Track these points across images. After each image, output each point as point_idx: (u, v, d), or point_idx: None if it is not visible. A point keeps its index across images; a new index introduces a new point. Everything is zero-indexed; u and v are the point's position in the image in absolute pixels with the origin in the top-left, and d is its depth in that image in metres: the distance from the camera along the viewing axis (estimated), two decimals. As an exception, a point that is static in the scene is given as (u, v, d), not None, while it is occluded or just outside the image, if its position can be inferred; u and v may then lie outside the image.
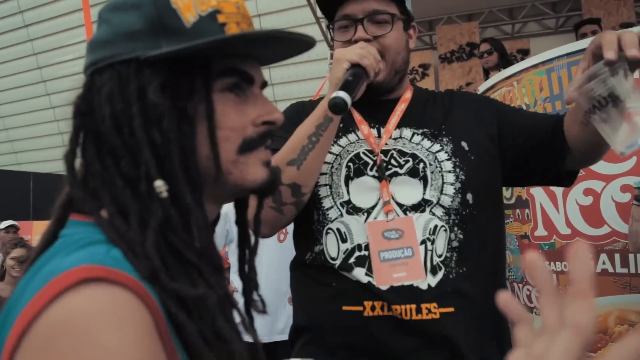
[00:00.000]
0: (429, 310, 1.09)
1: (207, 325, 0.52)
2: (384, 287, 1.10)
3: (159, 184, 0.53)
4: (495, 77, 3.58)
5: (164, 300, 0.50)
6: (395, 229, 1.14)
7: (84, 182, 0.56)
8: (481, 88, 3.70)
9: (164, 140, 0.54)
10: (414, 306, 1.09)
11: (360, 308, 1.12)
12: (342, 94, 1.01)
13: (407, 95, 1.32)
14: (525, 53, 5.58)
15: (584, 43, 3.17)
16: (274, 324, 2.95)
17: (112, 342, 0.43)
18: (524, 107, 3.33)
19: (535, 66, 3.31)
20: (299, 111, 1.32)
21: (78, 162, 0.58)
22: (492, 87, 3.56)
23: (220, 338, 0.53)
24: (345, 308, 1.14)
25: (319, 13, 5.99)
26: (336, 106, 1.01)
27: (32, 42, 12.04)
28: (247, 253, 0.72)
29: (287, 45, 0.63)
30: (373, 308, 1.11)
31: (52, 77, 12.11)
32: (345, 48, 1.14)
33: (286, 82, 11.40)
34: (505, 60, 4.18)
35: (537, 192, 3.02)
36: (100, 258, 0.48)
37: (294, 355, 1.23)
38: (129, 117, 0.54)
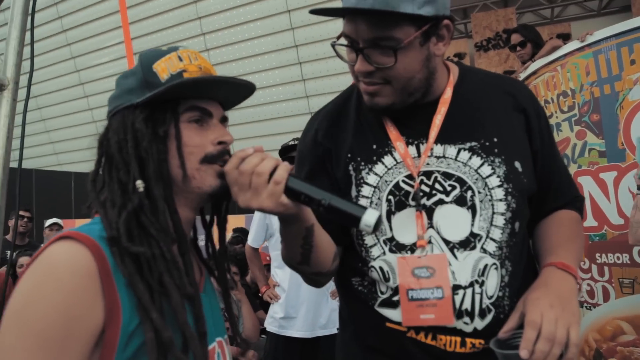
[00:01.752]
0: (473, 345, 1.04)
1: (154, 278, 0.76)
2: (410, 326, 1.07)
3: (139, 182, 0.81)
4: (538, 62, 3.44)
5: (122, 256, 0.75)
6: (427, 266, 1.05)
7: (100, 189, 0.86)
8: (522, 75, 3.57)
9: (144, 154, 0.82)
10: (458, 339, 1.04)
11: (405, 329, 1.07)
12: (372, 214, 0.86)
13: (447, 93, 1.13)
14: (566, 37, 5.36)
15: (635, 22, 3.00)
16: (317, 319, 2.94)
17: (62, 272, 0.72)
18: (569, 93, 3.19)
19: (580, 49, 3.16)
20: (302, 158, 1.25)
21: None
22: (534, 73, 3.42)
23: (163, 287, 0.76)
24: (389, 325, 1.09)
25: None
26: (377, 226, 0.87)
27: (70, 46, 12.40)
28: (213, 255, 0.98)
29: (234, 87, 0.91)
30: (417, 332, 1.06)
31: (89, 80, 12.44)
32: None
33: (318, 77, 11.35)
34: (540, 48, 3.83)
35: (586, 181, 2.89)
36: (84, 229, 0.78)
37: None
38: (126, 142, 0.82)
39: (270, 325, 3.03)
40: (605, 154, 2.99)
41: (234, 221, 7.96)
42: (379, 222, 0.85)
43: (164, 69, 0.86)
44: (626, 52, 2.97)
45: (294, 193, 0.86)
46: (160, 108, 0.84)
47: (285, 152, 2.97)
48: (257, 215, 3.10)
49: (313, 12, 1.03)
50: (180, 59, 0.87)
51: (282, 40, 11.18)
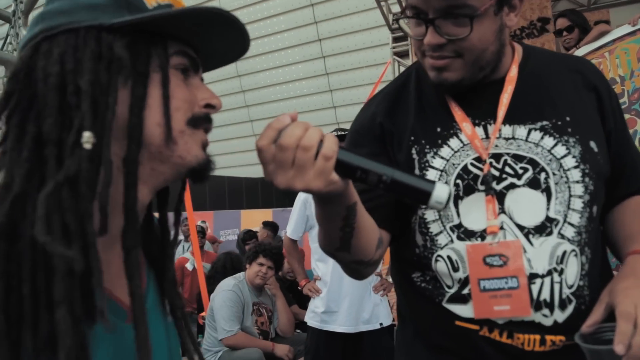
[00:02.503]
0: (553, 343, 0.96)
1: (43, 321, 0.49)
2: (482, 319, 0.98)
3: (88, 135, 0.53)
4: (583, 49, 3.32)
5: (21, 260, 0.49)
6: (499, 254, 0.97)
7: None
8: (566, 62, 3.43)
9: (104, 97, 0.55)
10: (538, 337, 0.96)
11: (477, 327, 1.00)
12: (443, 188, 0.76)
13: (513, 71, 1.06)
14: (604, 25, 5.18)
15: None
16: (359, 313, 2.87)
17: None
18: (617, 80, 3.07)
19: (632, 33, 3.04)
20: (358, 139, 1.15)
21: None
22: (580, 59, 3.29)
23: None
24: (458, 323, 1.02)
25: (380, -4, 5.86)
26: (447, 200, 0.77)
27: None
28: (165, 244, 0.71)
29: (229, 40, 0.68)
30: (491, 330, 0.99)
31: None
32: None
33: (342, 71, 11.28)
34: (588, 33, 3.75)
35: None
36: None
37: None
38: (77, 75, 0.55)
39: (311, 320, 2.95)
40: (658, 143, 2.88)
41: (262, 216, 7.96)
42: (449, 198, 0.76)
43: None
44: None
45: (348, 168, 0.72)
46: (144, 40, 0.60)
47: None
48: (297, 205, 3.05)
49: None
50: None
51: (306, 34, 11.13)
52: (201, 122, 0.65)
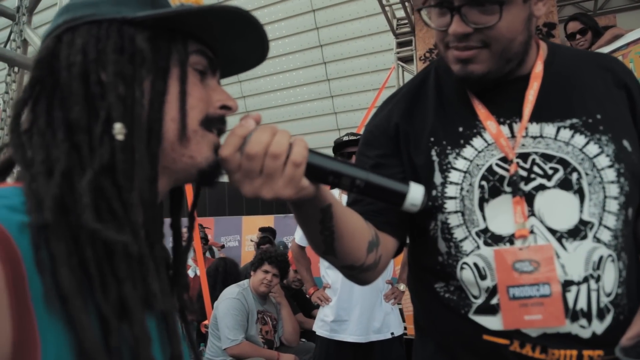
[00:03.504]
0: (591, 358, 0.90)
1: (112, 295, 0.50)
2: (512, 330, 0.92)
3: (119, 126, 0.55)
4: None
5: (82, 244, 0.49)
6: (530, 259, 0.92)
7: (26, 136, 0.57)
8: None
9: (130, 90, 0.56)
10: (574, 352, 0.89)
11: (507, 342, 0.93)
12: (418, 189, 0.74)
13: (538, 67, 1.02)
14: (610, 31, 5.15)
15: None
16: (370, 322, 2.79)
17: None
18: (632, 84, 3.02)
19: (646, 37, 2.99)
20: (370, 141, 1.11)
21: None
22: (593, 63, 3.25)
23: (123, 304, 0.50)
24: (486, 337, 0.95)
25: (385, 1, 5.83)
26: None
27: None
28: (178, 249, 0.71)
29: (249, 43, 0.68)
30: (522, 345, 0.92)
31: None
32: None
33: (343, 77, 11.26)
34: (601, 36, 3.60)
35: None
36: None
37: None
38: (100, 65, 0.56)
39: (320, 329, 2.86)
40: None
41: (263, 222, 7.89)
42: (425, 199, 0.74)
43: None
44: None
45: (319, 173, 0.69)
46: (165, 36, 0.61)
47: (340, 148, 2.84)
48: None
49: None
50: None
51: (307, 40, 11.12)
52: (215, 123, 0.65)
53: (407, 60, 6.14)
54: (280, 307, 3.87)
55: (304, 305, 4.36)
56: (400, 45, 6.17)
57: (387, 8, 5.88)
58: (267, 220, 8.24)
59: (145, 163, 0.56)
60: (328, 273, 2.90)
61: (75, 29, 0.59)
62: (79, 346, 0.47)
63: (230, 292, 3.60)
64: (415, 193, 0.73)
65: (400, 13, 6.04)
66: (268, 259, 3.61)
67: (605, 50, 3.23)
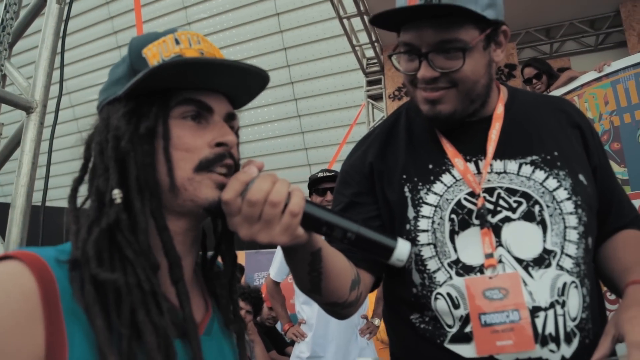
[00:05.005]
0: None
1: (122, 315, 0.60)
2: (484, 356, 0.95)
3: (116, 192, 0.65)
4: (553, 92, 3.47)
5: (84, 283, 0.60)
6: (499, 287, 0.96)
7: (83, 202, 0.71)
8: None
9: (124, 157, 0.66)
10: None
11: None
12: (405, 245, 0.78)
13: (499, 109, 1.09)
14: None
15: (652, 53, 3.05)
16: (346, 358, 2.79)
17: None
18: (587, 122, 3.21)
19: (598, 79, 3.20)
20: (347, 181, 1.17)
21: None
22: (551, 103, 3.45)
23: (135, 327, 0.60)
24: None
25: (355, 41, 6.05)
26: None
27: (66, 82, 12.41)
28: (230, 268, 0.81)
29: (240, 76, 0.73)
30: None
31: (84, 115, 12.39)
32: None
33: (313, 114, 11.42)
34: (555, 79, 3.88)
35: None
36: (37, 249, 0.62)
37: None
38: (106, 142, 0.67)
39: (296, 366, 2.86)
40: (629, 182, 2.99)
41: (235, 257, 7.75)
42: (410, 255, 0.79)
43: (154, 55, 0.69)
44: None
45: (314, 222, 0.73)
46: (147, 101, 0.68)
47: (315, 184, 2.89)
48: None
49: (373, 22, 1.02)
50: (177, 42, 0.70)
51: (278, 76, 11.30)
52: (214, 163, 0.69)
53: (377, 97, 6.32)
54: (254, 345, 3.79)
55: (278, 343, 4.29)
56: (370, 83, 6.36)
57: (357, 48, 6.09)
58: (239, 256, 8.12)
59: (143, 218, 0.65)
60: (303, 308, 2.89)
61: (100, 112, 0.73)
62: (100, 351, 0.57)
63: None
64: (402, 249, 0.76)
65: (370, 53, 6.25)
66: (241, 295, 3.56)
67: (562, 91, 3.43)
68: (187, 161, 0.68)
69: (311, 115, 11.43)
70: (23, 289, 0.57)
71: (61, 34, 1.80)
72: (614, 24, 5.46)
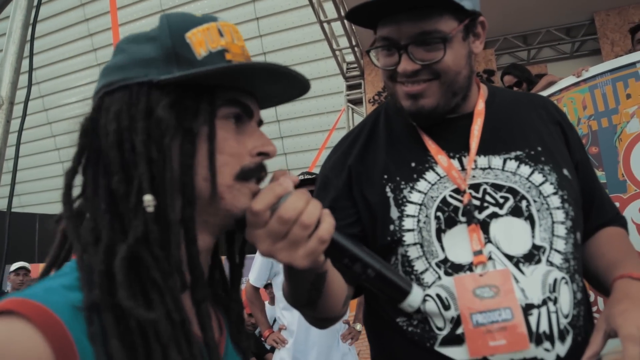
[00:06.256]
0: None
1: (156, 355, 0.51)
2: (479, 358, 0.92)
3: (148, 198, 0.54)
4: (532, 97, 3.51)
5: (108, 337, 0.49)
6: (489, 285, 0.93)
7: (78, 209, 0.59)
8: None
9: (161, 156, 0.56)
10: None
11: None
12: (419, 292, 0.77)
13: (480, 105, 1.08)
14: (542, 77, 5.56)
15: (628, 58, 3.10)
16: (327, 363, 2.74)
17: None
18: (566, 127, 3.25)
19: (576, 84, 3.25)
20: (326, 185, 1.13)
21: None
22: (531, 107, 3.49)
23: None
24: None
25: (335, 45, 6.04)
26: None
27: (39, 85, 12.10)
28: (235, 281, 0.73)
29: (285, 83, 0.67)
30: None
31: (57, 119, 12.11)
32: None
33: (293, 118, 11.39)
34: (534, 85, 3.91)
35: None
36: (40, 289, 0.50)
37: None
38: (132, 133, 0.57)
39: (276, 373, 2.80)
40: (607, 186, 3.03)
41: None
42: (421, 304, 0.79)
43: (200, 42, 0.61)
44: (622, 87, 3.06)
45: (337, 251, 0.69)
46: (191, 95, 0.60)
47: (295, 188, 2.84)
48: None
49: (349, 16, 1.00)
50: (221, 34, 0.63)
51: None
52: (252, 173, 0.64)
53: (357, 102, 6.32)
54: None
55: (257, 349, 4.22)
56: (350, 88, 6.36)
57: (337, 52, 6.08)
58: (217, 262, 8.02)
59: (177, 231, 0.56)
60: (284, 314, 2.84)
61: (111, 94, 0.59)
62: None
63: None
64: (416, 295, 0.74)
65: (350, 57, 6.26)
66: (220, 301, 3.49)
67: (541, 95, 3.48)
68: (229, 167, 0.61)
69: (290, 120, 11.39)
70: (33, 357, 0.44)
71: (31, 21, 1.69)
72: (589, 32, 5.59)
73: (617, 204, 3.17)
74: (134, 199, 0.54)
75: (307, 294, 0.84)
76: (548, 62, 5.84)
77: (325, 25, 5.49)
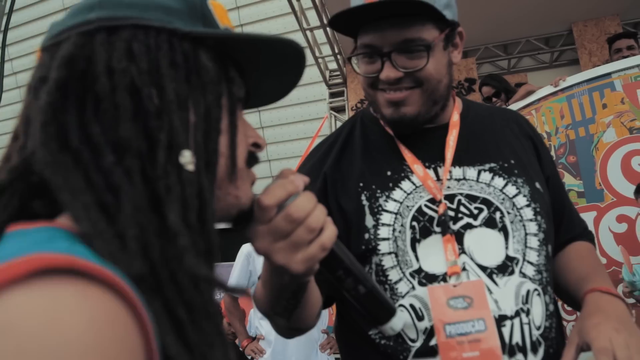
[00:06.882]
0: None
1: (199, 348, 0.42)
2: None
3: (188, 154, 0.46)
4: (512, 106, 3.54)
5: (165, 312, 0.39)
6: (463, 295, 0.93)
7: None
8: (497, 118, 3.65)
9: (187, 112, 0.48)
10: None
11: None
12: (402, 317, 0.78)
13: (455, 117, 1.09)
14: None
15: (603, 69, 3.15)
16: (306, 372, 2.71)
17: None
18: (545, 135, 3.28)
19: (554, 94, 3.29)
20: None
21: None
22: (510, 116, 3.52)
23: None
24: None
25: (318, 53, 6.05)
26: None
27: (17, 76, 11.90)
28: None
29: (280, 77, 0.63)
30: None
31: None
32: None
33: (277, 125, 11.39)
34: (513, 94, 3.93)
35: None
36: (63, 246, 0.35)
37: None
38: (159, 79, 0.47)
39: (254, 383, 2.76)
40: (584, 195, 3.06)
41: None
42: (400, 329, 0.77)
43: (222, 15, 0.56)
44: (598, 97, 3.10)
45: (333, 262, 0.66)
46: (218, 60, 0.53)
47: None
48: (239, 259, 2.90)
49: (332, 23, 0.99)
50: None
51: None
52: (254, 161, 0.59)
53: (340, 110, 6.33)
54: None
55: (239, 359, 4.17)
56: (332, 95, 6.37)
57: (319, 60, 6.09)
58: (199, 270, 7.93)
59: (212, 201, 0.48)
60: (262, 324, 2.81)
61: (114, 30, 0.48)
62: None
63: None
64: (400, 319, 0.73)
65: (333, 65, 6.27)
66: (199, 310, 3.43)
67: (520, 104, 3.51)
68: (242, 147, 0.55)
69: (274, 127, 11.37)
70: (128, 343, 0.33)
71: (6, 11, 1.65)
72: (567, 42, 5.68)
73: (595, 213, 3.22)
74: (164, 154, 0.44)
75: (284, 302, 0.81)
76: (528, 72, 5.93)
77: (307, 32, 5.49)
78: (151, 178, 0.43)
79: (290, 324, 0.90)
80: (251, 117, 12.34)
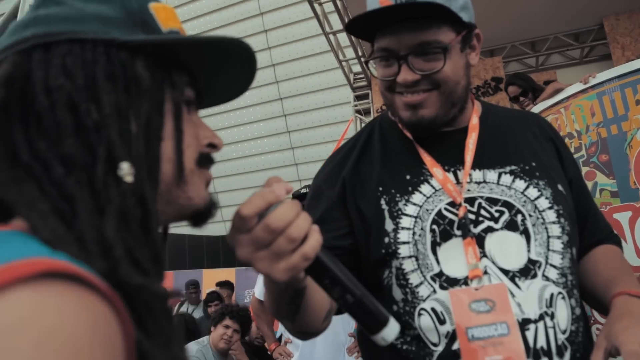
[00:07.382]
0: None
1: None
2: None
3: (126, 166, 0.47)
4: (539, 105, 3.47)
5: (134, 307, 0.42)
6: (485, 299, 0.92)
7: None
8: (525, 117, 3.57)
9: (128, 122, 0.49)
10: None
11: None
12: (396, 326, 0.74)
13: (474, 120, 1.08)
14: (552, 85, 5.50)
15: (636, 64, 3.06)
16: (334, 377, 2.71)
17: None
18: (575, 134, 3.20)
19: (583, 91, 3.20)
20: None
21: None
22: (538, 115, 3.45)
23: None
24: None
25: (342, 56, 6.06)
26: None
27: None
28: None
29: (234, 77, 0.63)
30: None
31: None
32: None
33: (303, 129, 11.44)
34: (540, 92, 3.81)
35: (604, 221, 2.85)
36: (44, 250, 0.38)
37: None
38: (94, 93, 0.48)
39: (283, 386, 2.78)
40: (618, 194, 2.97)
41: (224, 275, 7.67)
42: (394, 339, 0.76)
43: (166, 18, 0.56)
44: (630, 93, 3.01)
45: (319, 271, 0.66)
46: (158, 66, 0.54)
47: (299, 200, 2.83)
48: None
49: (349, 28, 1.00)
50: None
51: (267, 93, 11.34)
52: (208, 161, 0.60)
53: (366, 112, 6.33)
54: (241, 365, 3.71)
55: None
56: (357, 98, 6.37)
57: (343, 63, 6.10)
58: (229, 273, 8.02)
59: (155, 209, 0.49)
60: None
61: (50, 46, 0.48)
62: None
63: (189, 350, 3.43)
64: (393, 330, 0.72)
65: (357, 68, 6.27)
66: (229, 313, 3.48)
67: (548, 103, 3.43)
68: (191, 150, 0.56)
69: (300, 131, 11.44)
70: (111, 346, 0.36)
71: None
72: (598, 37, 5.53)
73: (630, 213, 3.12)
74: (102, 167, 0.46)
75: (285, 307, 0.82)
76: (557, 69, 5.79)
77: (331, 36, 5.51)
78: (95, 190, 0.45)
79: (295, 327, 0.91)
80: (278, 121, 12.45)
